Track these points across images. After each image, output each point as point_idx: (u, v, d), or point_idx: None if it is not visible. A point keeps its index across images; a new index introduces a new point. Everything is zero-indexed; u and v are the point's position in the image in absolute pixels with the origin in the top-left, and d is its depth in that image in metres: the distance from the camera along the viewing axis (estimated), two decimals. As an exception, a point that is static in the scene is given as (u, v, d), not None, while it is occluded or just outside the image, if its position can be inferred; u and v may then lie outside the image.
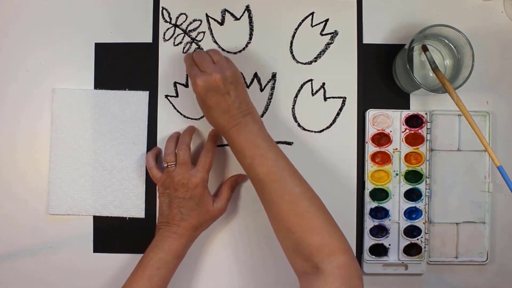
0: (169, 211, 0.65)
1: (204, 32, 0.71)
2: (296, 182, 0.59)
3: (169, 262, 0.62)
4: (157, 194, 0.67)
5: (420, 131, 0.70)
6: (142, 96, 0.71)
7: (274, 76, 0.72)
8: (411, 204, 0.71)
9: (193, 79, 0.62)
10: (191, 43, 0.71)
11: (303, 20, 0.72)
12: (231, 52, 0.71)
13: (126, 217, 0.71)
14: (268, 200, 0.60)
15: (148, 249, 0.64)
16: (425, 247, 0.70)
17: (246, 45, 0.72)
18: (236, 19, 0.72)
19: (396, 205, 0.71)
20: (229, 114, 0.62)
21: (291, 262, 0.59)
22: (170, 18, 0.71)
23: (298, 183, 0.59)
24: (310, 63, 0.72)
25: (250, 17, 0.72)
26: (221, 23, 0.72)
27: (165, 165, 0.66)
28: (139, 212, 0.71)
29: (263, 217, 0.64)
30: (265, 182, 0.59)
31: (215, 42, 0.71)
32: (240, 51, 0.72)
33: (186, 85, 0.71)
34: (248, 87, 0.71)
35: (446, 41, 0.68)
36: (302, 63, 0.72)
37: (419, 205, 0.71)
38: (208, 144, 0.68)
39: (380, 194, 0.71)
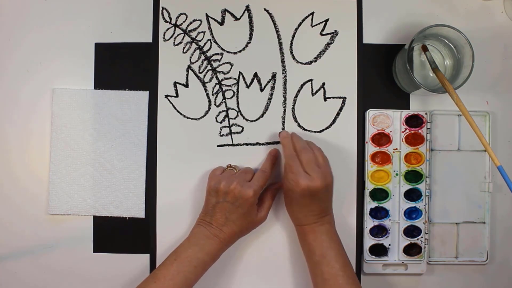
0: (213, 212, 0.65)
1: (204, 32, 0.71)
2: None
3: (205, 263, 0.63)
4: (206, 188, 0.67)
5: (420, 131, 0.70)
6: (142, 96, 0.71)
7: (274, 76, 0.72)
8: (411, 204, 0.71)
9: (295, 176, 0.62)
10: (191, 43, 0.71)
11: (303, 20, 0.72)
12: (231, 52, 0.71)
13: (126, 217, 0.71)
14: None
15: (185, 244, 0.64)
16: (425, 247, 0.70)
17: (246, 45, 0.72)
18: (236, 19, 0.72)
19: (396, 205, 0.71)
20: (313, 213, 0.63)
21: None
22: (170, 18, 0.71)
23: None
24: (310, 63, 0.72)
25: (250, 17, 0.72)
26: (221, 23, 0.72)
27: (226, 165, 0.69)
28: (139, 212, 0.71)
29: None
30: (330, 283, 0.61)
31: (215, 42, 0.71)
32: (240, 51, 0.72)
33: (186, 85, 0.71)
34: (248, 87, 0.71)
35: (446, 41, 0.68)
36: (302, 63, 0.72)
37: (419, 205, 0.71)
38: (266, 163, 0.69)
39: (380, 194, 0.71)
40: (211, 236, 0.63)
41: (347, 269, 0.62)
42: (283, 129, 0.71)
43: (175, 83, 0.71)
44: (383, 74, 0.72)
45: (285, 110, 0.71)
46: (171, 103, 0.71)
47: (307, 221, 0.64)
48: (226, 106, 0.71)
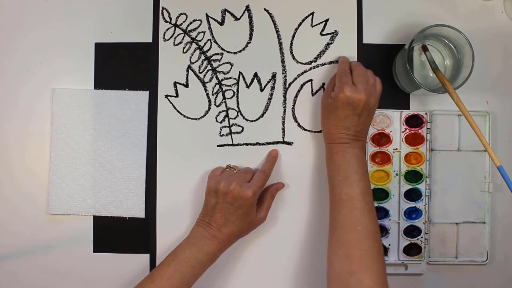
0: (212, 213, 0.64)
1: (204, 32, 0.71)
2: (372, 220, 0.60)
3: (203, 263, 0.63)
4: (206, 188, 0.67)
5: (420, 131, 0.70)
6: (142, 96, 0.71)
7: (274, 76, 0.72)
8: (411, 204, 0.71)
9: (342, 85, 0.63)
10: (191, 43, 0.71)
11: (303, 20, 0.72)
12: (231, 52, 0.71)
13: (126, 217, 0.71)
14: (339, 222, 0.60)
15: (184, 245, 0.64)
16: (425, 247, 0.70)
17: (246, 45, 0.72)
18: (236, 19, 0.72)
19: (396, 205, 0.71)
20: (347, 132, 0.63)
21: (329, 283, 0.59)
22: (170, 18, 0.71)
23: (374, 221, 0.60)
24: (310, 63, 0.72)
25: (250, 17, 0.72)
26: (221, 23, 0.72)
27: (225, 166, 0.68)
28: (139, 212, 0.71)
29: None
30: (347, 205, 0.60)
31: (215, 42, 0.71)
32: (240, 51, 0.72)
33: (186, 85, 0.71)
34: (248, 87, 0.71)
35: (446, 41, 0.68)
36: (302, 63, 0.72)
37: (419, 205, 0.71)
38: (265, 164, 0.69)
39: (380, 194, 0.71)
40: (210, 236, 0.63)
41: (366, 195, 0.61)
42: (283, 129, 0.71)
43: (175, 83, 0.71)
44: (383, 74, 0.72)
45: (285, 110, 0.71)
46: (171, 103, 0.71)
47: (340, 138, 0.63)
48: (226, 106, 0.71)
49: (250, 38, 0.72)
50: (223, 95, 0.71)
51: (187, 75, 0.71)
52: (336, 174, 0.62)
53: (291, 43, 0.72)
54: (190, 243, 0.63)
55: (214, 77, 0.71)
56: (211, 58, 0.71)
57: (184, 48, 0.71)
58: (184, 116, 0.71)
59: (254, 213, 0.65)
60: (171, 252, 0.63)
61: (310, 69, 0.71)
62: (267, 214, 0.68)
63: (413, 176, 0.71)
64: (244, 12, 0.72)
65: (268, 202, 0.68)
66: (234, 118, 0.71)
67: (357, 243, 0.58)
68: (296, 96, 0.71)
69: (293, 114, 0.71)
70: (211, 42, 0.71)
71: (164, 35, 0.71)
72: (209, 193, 0.66)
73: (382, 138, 0.71)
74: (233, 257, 0.71)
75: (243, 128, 0.71)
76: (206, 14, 0.71)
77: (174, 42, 0.71)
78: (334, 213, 0.61)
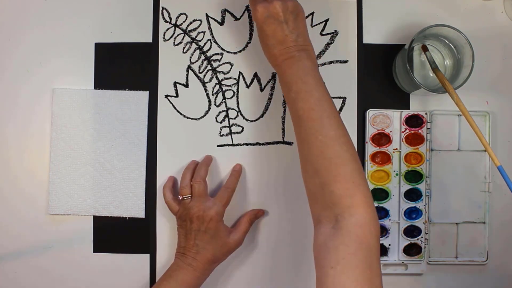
0: (185, 243, 0.64)
1: (204, 32, 0.71)
2: (333, 126, 0.56)
3: None
4: (176, 226, 0.67)
5: (420, 131, 0.70)
6: (142, 96, 0.71)
7: (274, 76, 0.72)
8: (411, 204, 0.71)
9: (254, 6, 0.61)
10: (191, 43, 0.71)
11: (303, 20, 0.72)
12: (231, 52, 0.71)
13: (126, 217, 0.71)
14: (303, 139, 0.57)
15: (162, 278, 0.64)
16: (425, 247, 0.70)
17: (246, 45, 0.72)
18: (236, 19, 0.72)
19: (396, 205, 0.71)
20: (284, 46, 0.60)
21: (311, 208, 0.57)
22: (170, 18, 0.71)
23: (335, 127, 0.56)
24: (310, 63, 0.71)
25: (250, 17, 0.72)
26: (221, 23, 0.72)
27: (181, 198, 0.66)
28: (139, 212, 0.71)
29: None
30: (304, 119, 0.57)
31: (215, 42, 0.71)
32: (240, 51, 0.72)
33: (186, 85, 0.71)
34: (248, 87, 0.71)
35: (446, 41, 0.68)
36: (302, 63, 0.71)
37: (419, 205, 0.71)
38: (230, 179, 0.69)
39: (380, 194, 0.71)
40: (185, 266, 0.63)
41: (322, 102, 0.57)
42: (283, 129, 0.71)
43: (175, 83, 0.71)
44: (383, 74, 0.72)
45: (285, 110, 0.71)
46: (171, 103, 0.71)
47: (282, 55, 0.59)
48: (226, 106, 0.71)
49: (250, 38, 0.72)
50: (223, 95, 0.71)
51: (187, 75, 0.71)
52: (288, 91, 0.59)
53: (291, 43, 0.71)
54: (167, 275, 0.64)
55: (214, 77, 0.71)
56: (211, 58, 0.71)
57: (184, 48, 0.71)
58: (184, 116, 0.71)
59: (224, 233, 0.65)
60: (152, 286, 0.64)
61: (310, 69, 0.71)
62: (243, 238, 0.67)
63: (413, 176, 0.71)
64: (244, 12, 0.72)
65: (244, 226, 0.68)
66: (234, 118, 0.71)
67: (321, 154, 0.55)
68: (296, 96, 0.71)
69: (293, 114, 0.71)
70: (211, 42, 0.71)
71: (164, 35, 0.71)
72: (178, 228, 0.66)
73: (382, 138, 0.71)
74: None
75: (243, 128, 0.71)
76: (206, 14, 0.72)
77: (174, 42, 0.71)
78: (297, 132, 0.58)
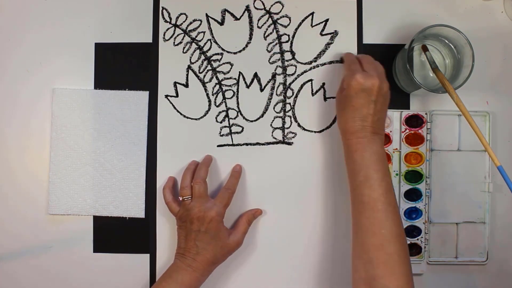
0: (185, 244, 0.64)
1: (204, 32, 0.71)
2: (396, 221, 0.58)
3: None
4: (176, 226, 0.67)
5: (420, 131, 0.70)
6: (142, 96, 0.71)
7: (274, 76, 0.72)
8: (411, 204, 0.71)
9: (353, 73, 0.61)
10: (191, 43, 0.71)
11: (303, 20, 0.72)
12: (231, 52, 0.71)
13: (126, 217, 0.71)
14: (362, 225, 0.58)
15: (161, 278, 0.64)
16: (425, 247, 0.70)
17: (246, 45, 0.72)
18: (236, 19, 0.72)
19: (396, 205, 0.71)
20: (364, 123, 0.60)
21: None
22: (170, 18, 0.71)
23: (398, 223, 0.58)
24: (310, 63, 0.72)
25: (250, 17, 0.72)
26: (221, 23, 0.72)
27: (181, 199, 0.66)
28: (139, 212, 0.71)
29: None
30: (369, 207, 0.58)
31: (215, 42, 0.71)
32: (240, 51, 0.72)
33: (186, 85, 0.71)
34: (248, 87, 0.71)
35: (446, 41, 0.68)
36: (302, 63, 0.72)
37: (419, 205, 0.71)
38: (230, 180, 0.69)
39: (380, 194, 0.71)
40: (184, 267, 0.63)
41: (389, 195, 0.58)
42: (283, 129, 0.71)
43: (175, 83, 0.71)
44: (383, 74, 0.72)
45: (285, 110, 0.71)
46: (171, 103, 0.71)
47: (357, 132, 0.60)
48: (226, 106, 0.71)
49: (250, 38, 0.72)
50: (223, 95, 0.71)
51: (187, 75, 0.71)
52: (356, 174, 0.60)
53: (291, 43, 0.72)
54: (167, 275, 0.64)
55: (214, 77, 0.71)
56: (211, 58, 0.71)
57: (184, 48, 0.71)
58: (184, 116, 0.71)
59: (225, 234, 0.65)
60: (151, 286, 0.64)
61: (310, 69, 0.71)
62: (243, 239, 0.67)
63: (413, 176, 0.71)
64: (244, 12, 0.72)
65: (243, 226, 0.68)
66: (234, 118, 0.71)
67: (381, 247, 0.56)
68: (296, 96, 0.71)
69: (293, 114, 0.71)
70: (211, 42, 0.71)
71: (164, 35, 0.71)
72: (178, 229, 0.66)
73: (382, 138, 0.71)
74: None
75: (243, 128, 0.71)
76: (206, 14, 0.71)
77: (174, 42, 0.71)
78: (356, 216, 0.59)
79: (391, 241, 0.56)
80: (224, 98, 0.71)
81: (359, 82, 0.60)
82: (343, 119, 0.62)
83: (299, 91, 0.72)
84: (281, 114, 0.71)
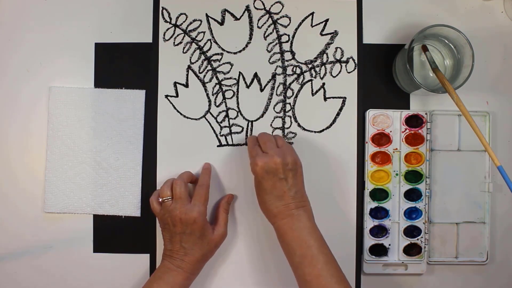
0: (171, 246, 0.64)
1: (204, 32, 0.71)
2: (342, 285, 0.58)
3: None
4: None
5: (420, 131, 0.70)
6: (139, 95, 0.71)
7: (274, 76, 0.72)
8: (411, 204, 0.71)
9: (254, 158, 0.62)
10: (191, 43, 0.71)
11: (303, 20, 0.72)
12: (231, 52, 0.71)
13: (122, 216, 0.71)
14: None
15: (151, 279, 0.64)
16: (425, 247, 0.70)
17: (246, 45, 0.72)
18: (236, 19, 0.72)
19: (396, 205, 0.71)
20: (283, 202, 0.61)
21: None
22: (170, 18, 0.71)
23: (346, 286, 0.59)
24: (310, 63, 0.72)
25: (250, 17, 0.72)
26: (221, 23, 0.72)
27: (161, 199, 0.66)
28: (134, 210, 0.71)
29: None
30: (312, 285, 0.58)
31: (215, 42, 0.71)
32: (240, 51, 0.72)
33: (186, 85, 0.71)
34: (248, 87, 0.71)
35: (446, 41, 0.68)
36: (302, 63, 0.72)
37: (419, 205, 0.70)
38: (202, 177, 0.68)
39: (380, 194, 0.71)
40: (174, 268, 0.63)
41: (329, 266, 0.59)
42: (283, 129, 0.71)
43: (175, 83, 0.71)
44: (383, 74, 0.72)
45: (285, 110, 0.71)
46: (171, 103, 0.71)
47: (280, 213, 0.61)
48: (226, 106, 0.71)
49: (250, 38, 0.72)
50: (223, 95, 0.71)
51: (187, 75, 0.71)
52: (292, 255, 0.60)
53: (291, 43, 0.72)
54: (157, 276, 0.63)
55: (214, 77, 0.71)
56: (211, 58, 0.71)
57: (184, 48, 0.71)
58: (184, 116, 0.71)
59: (210, 231, 0.65)
60: None
61: (310, 69, 0.71)
62: (226, 229, 0.67)
63: (413, 176, 0.71)
64: (244, 12, 0.72)
65: (223, 216, 0.68)
66: (234, 118, 0.71)
67: None
68: (296, 96, 0.71)
69: (293, 114, 0.71)
70: (211, 42, 0.71)
71: (164, 35, 0.71)
72: (162, 231, 0.66)
73: (382, 138, 0.71)
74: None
75: (243, 128, 0.71)
76: (206, 14, 0.72)
77: (174, 42, 0.71)
78: None
79: None
80: (224, 98, 0.71)
81: (260, 166, 0.61)
82: (262, 204, 0.63)
83: (299, 91, 0.72)
84: (281, 114, 0.72)
